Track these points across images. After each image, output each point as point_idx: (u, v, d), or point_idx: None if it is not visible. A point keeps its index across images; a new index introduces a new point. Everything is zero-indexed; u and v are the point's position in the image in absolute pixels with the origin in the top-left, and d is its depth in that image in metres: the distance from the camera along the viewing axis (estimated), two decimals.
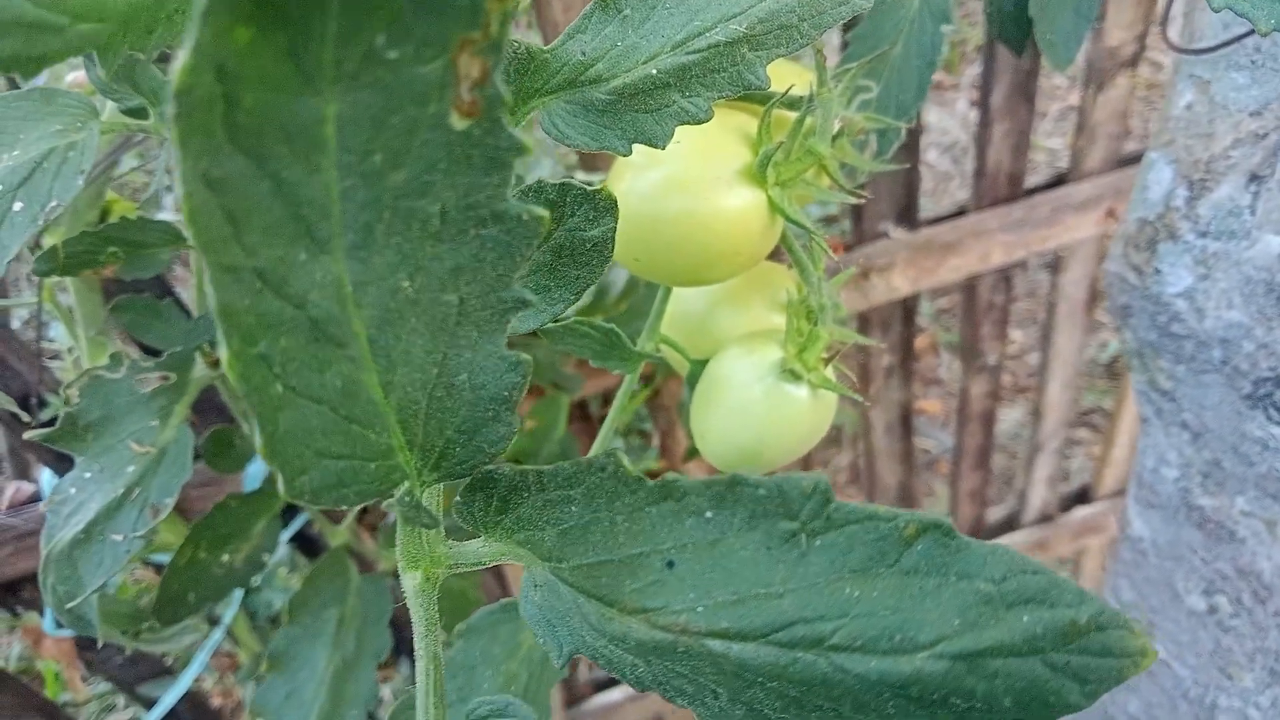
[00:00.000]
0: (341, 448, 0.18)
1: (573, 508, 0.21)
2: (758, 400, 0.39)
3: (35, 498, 1.05)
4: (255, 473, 1.03)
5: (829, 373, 0.41)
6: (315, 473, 0.18)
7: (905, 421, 1.36)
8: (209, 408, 0.95)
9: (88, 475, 0.50)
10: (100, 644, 1.17)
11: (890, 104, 0.48)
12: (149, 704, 1.12)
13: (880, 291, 1.13)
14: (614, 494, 0.20)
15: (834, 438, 2.21)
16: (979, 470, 1.47)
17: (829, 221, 2.29)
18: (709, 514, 0.18)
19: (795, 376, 0.39)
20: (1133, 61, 1.01)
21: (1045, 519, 1.58)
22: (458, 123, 0.15)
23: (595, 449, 0.44)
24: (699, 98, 0.29)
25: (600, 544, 0.20)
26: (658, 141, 0.29)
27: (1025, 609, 0.16)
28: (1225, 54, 0.54)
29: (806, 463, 1.36)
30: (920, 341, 2.25)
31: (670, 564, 0.18)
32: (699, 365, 0.42)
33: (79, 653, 1.16)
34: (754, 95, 0.38)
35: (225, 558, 0.61)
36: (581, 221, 0.27)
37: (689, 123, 0.29)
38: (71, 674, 1.23)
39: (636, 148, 0.36)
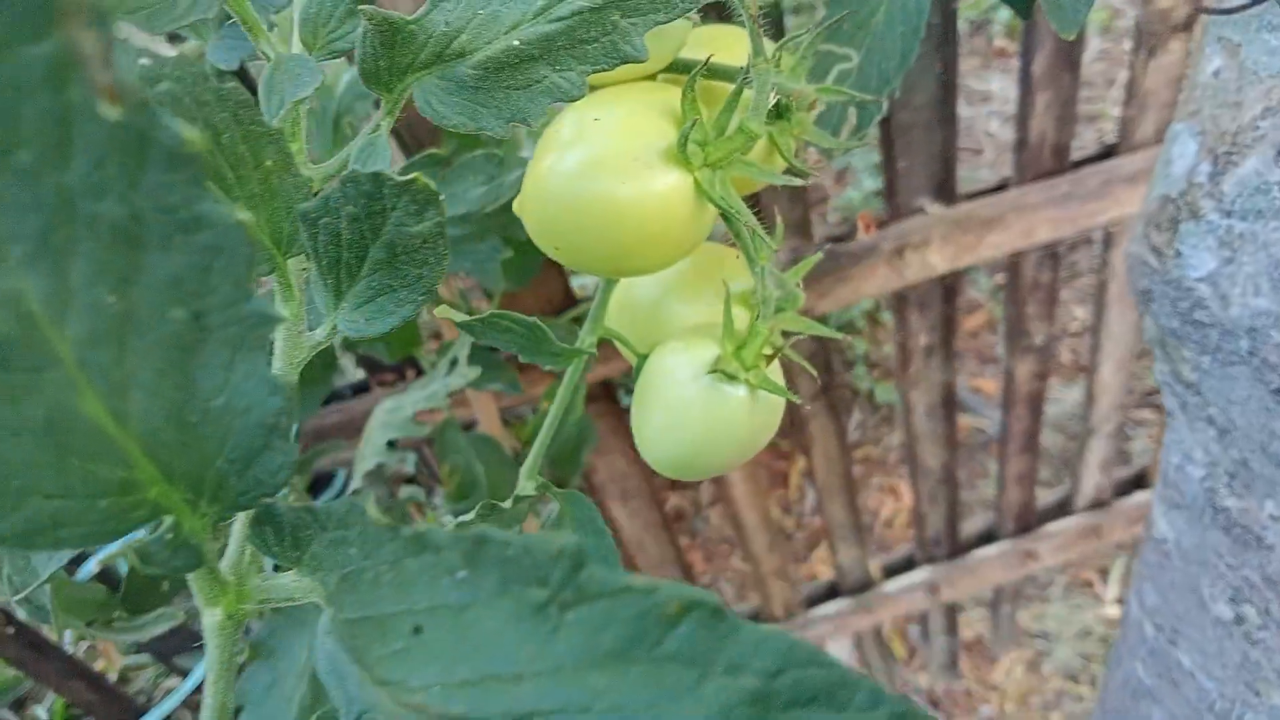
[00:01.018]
0: (54, 485, 0.16)
1: (351, 550, 0.18)
2: (691, 401, 0.36)
3: None
4: None
5: (773, 368, 0.37)
6: (19, 515, 0.16)
7: (948, 404, 1.31)
8: None
9: None
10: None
11: (872, 74, 0.44)
12: (185, 674, 1.14)
13: (916, 269, 1.09)
14: (379, 540, 0.17)
15: (886, 416, 2.16)
16: (1027, 454, 1.41)
17: (814, 195, 2.22)
18: (461, 574, 0.15)
19: (729, 376, 0.36)
20: (1186, 25, 0.94)
21: (1099, 504, 1.52)
22: (109, 112, 0.13)
23: (532, 456, 0.42)
24: (570, 71, 0.26)
25: (366, 596, 0.17)
26: (531, 120, 0.26)
27: (804, 711, 0.13)
28: (1258, 13, 0.49)
29: (845, 445, 1.32)
30: (975, 318, 2.18)
31: (418, 629, 0.15)
32: (645, 360, 0.39)
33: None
34: (693, 68, 0.34)
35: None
36: (404, 216, 0.25)
37: (563, 99, 0.26)
38: (106, 645, 1.25)
39: (564, 126, 0.33)
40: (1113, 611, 1.88)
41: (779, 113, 0.37)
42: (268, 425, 0.18)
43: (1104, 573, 1.92)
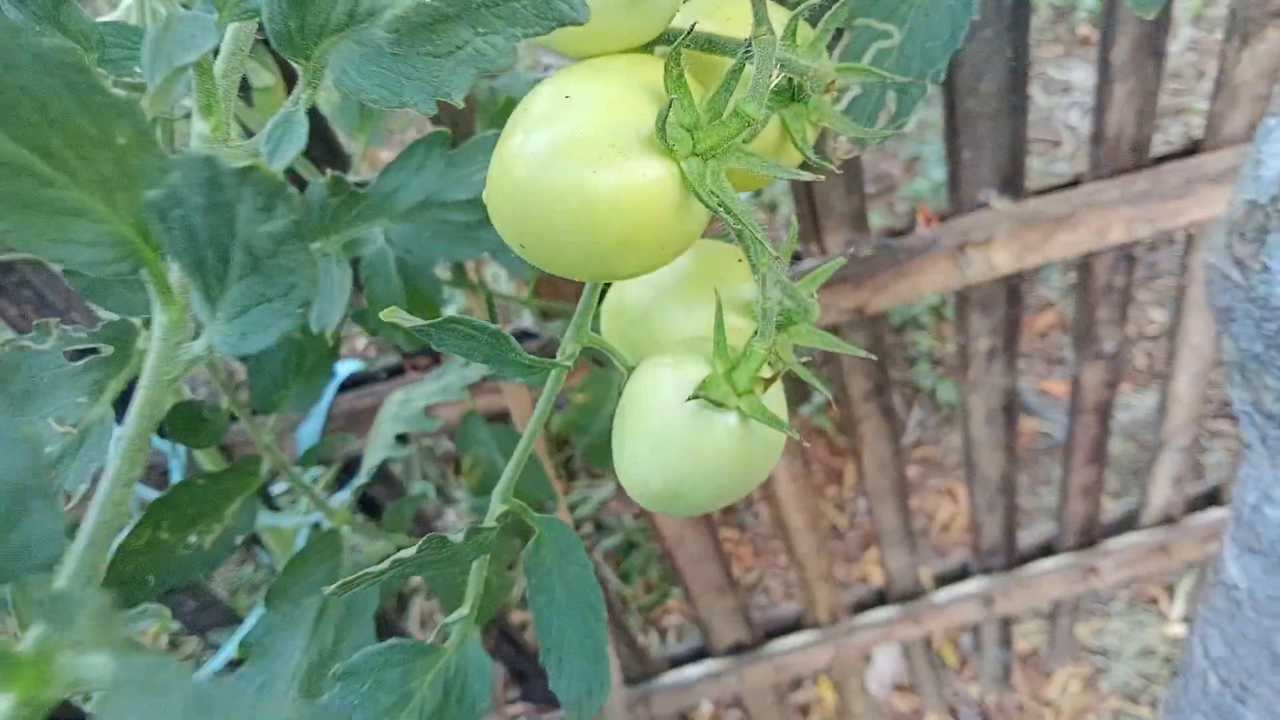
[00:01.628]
0: None
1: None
2: (673, 429, 0.31)
3: None
4: None
5: (774, 393, 0.32)
6: None
7: (1009, 410, 1.24)
8: None
9: None
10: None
11: (915, 55, 0.39)
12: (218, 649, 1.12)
13: (978, 268, 1.02)
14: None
15: (948, 416, 2.09)
16: (1092, 465, 1.34)
17: (881, 184, 2.14)
18: None
19: (716, 403, 0.31)
20: None
21: (1168, 520, 1.43)
22: None
23: (506, 476, 0.37)
24: (496, 35, 0.22)
25: None
26: (454, 95, 0.22)
27: None
28: None
29: (898, 449, 1.26)
30: (1046, 318, 2.09)
31: None
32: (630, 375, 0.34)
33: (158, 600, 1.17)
34: (696, 41, 0.29)
35: (193, 539, 0.56)
36: (251, 212, 0.21)
37: (489, 69, 0.22)
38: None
39: (535, 101, 0.29)
40: (1178, 630, 1.79)
41: (794, 95, 0.32)
42: (21, 488, 0.14)
43: (1170, 589, 1.83)
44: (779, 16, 0.33)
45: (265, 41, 0.82)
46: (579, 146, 0.27)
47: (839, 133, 0.33)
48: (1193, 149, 1.00)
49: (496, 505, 0.36)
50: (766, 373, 0.32)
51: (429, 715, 0.34)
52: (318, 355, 0.58)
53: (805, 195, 0.97)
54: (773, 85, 0.29)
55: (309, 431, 0.98)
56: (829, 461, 2.10)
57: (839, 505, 2.07)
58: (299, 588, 0.61)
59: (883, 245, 0.99)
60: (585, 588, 0.36)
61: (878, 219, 2.11)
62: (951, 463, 2.04)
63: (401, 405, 0.68)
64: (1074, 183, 1.01)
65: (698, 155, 0.28)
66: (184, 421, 0.55)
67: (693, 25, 0.28)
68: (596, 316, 0.38)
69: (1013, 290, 1.09)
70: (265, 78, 0.80)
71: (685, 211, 0.29)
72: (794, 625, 1.50)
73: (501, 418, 1.02)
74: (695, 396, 0.31)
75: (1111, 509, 1.52)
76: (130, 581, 0.53)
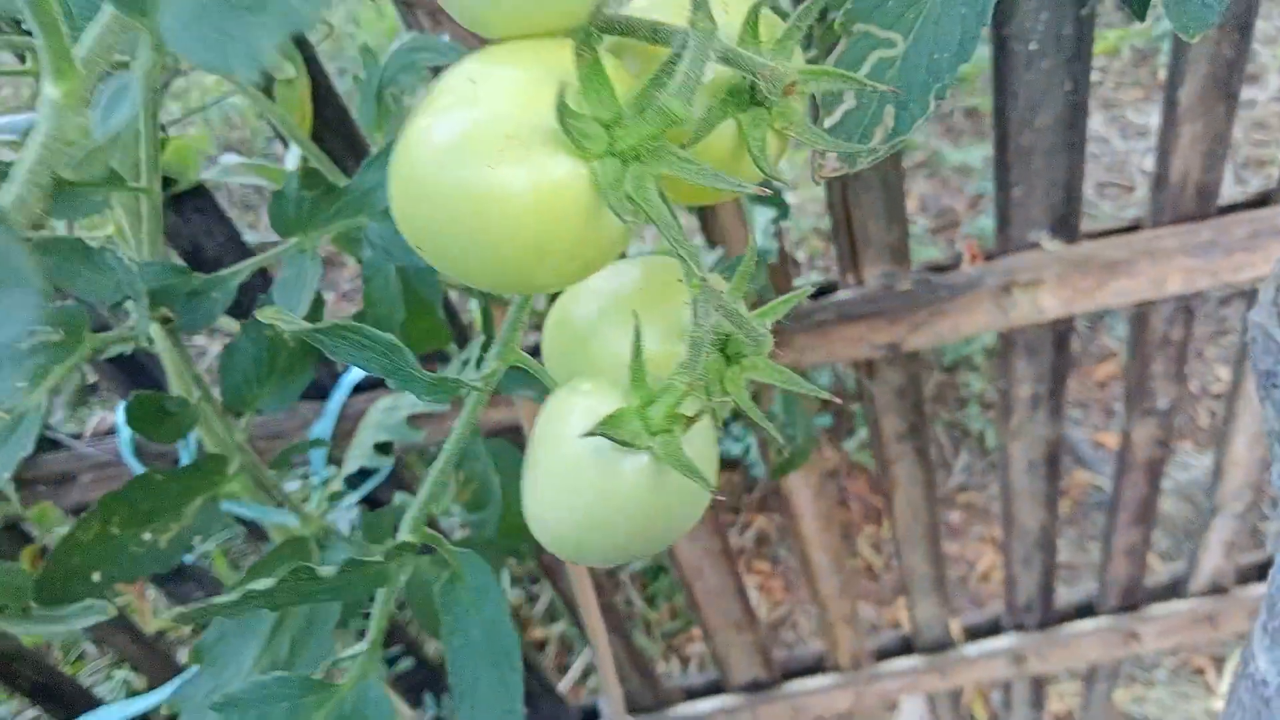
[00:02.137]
0: None
1: None
2: (576, 467, 0.28)
3: (114, 429, 1.04)
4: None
5: (700, 434, 0.28)
6: None
7: (1052, 461, 1.18)
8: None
9: None
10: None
11: (919, 65, 0.35)
12: None
13: (1024, 311, 0.97)
14: None
15: (995, 462, 2.01)
16: (1139, 525, 1.27)
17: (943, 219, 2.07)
18: None
19: (628, 443, 0.27)
20: None
21: (1217, 590, 1.36)
22: None
23: (418, 503, 0.34)
24: None
25: None
26: (263, 56, 0.19)
27: None
28: None
29: (932, 493, 1.20)
30: (1107, 367, 2.01)
31: None
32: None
33: (164, 587, 1.16)
34: (622, 26, 0.26)
35: (147, 536, 0.54)
36: None
37: (296, 29, 0.19)
38: (141, 604, 1.24)
39: (440, 85, 0.25)
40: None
41: (754, 98, 0.28)
42: None
43: (1219, 661, 1.73)
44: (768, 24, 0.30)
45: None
46: (475, 138, 0.24)
47: (809, 145, 0.29)
48: (1263, 200, 0.94)
49: (403, 533, 0.33)
50: (687, 411, 0.28)
51: None
52: (291, 354, 0.55)
53: (844, 224, 0.93)
54: (711, 80, 0.25)
55: (319, 433, 0.96)
56: (869, 499, 2.04)
57: (875, 545, 2.01)
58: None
59: (922, 280, 0.95)
60: (501, 633, 0.33)
61: (937, 255, 2.05)
62: (997, 510, 1.97)
63: (386, 413, 0.65)
64: (1133, 227, 0.95)
65: (616, 156, 0.25)
66: (145, 412, 0.53)
67: None
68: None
69: (1061, 336, 1.03)
70: (288, 69, 0.78)
71: (599, 219, 0.25)
72: (815, 667, 1.44)
73: (514, 431, 0.99)
74: (595, 433, 0.27)
75: (1159, 572, 1.44)
76: (74, 575, 0.51)
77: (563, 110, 0.23)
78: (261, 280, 0.72)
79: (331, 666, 0.32)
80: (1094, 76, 2.28)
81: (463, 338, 0.87)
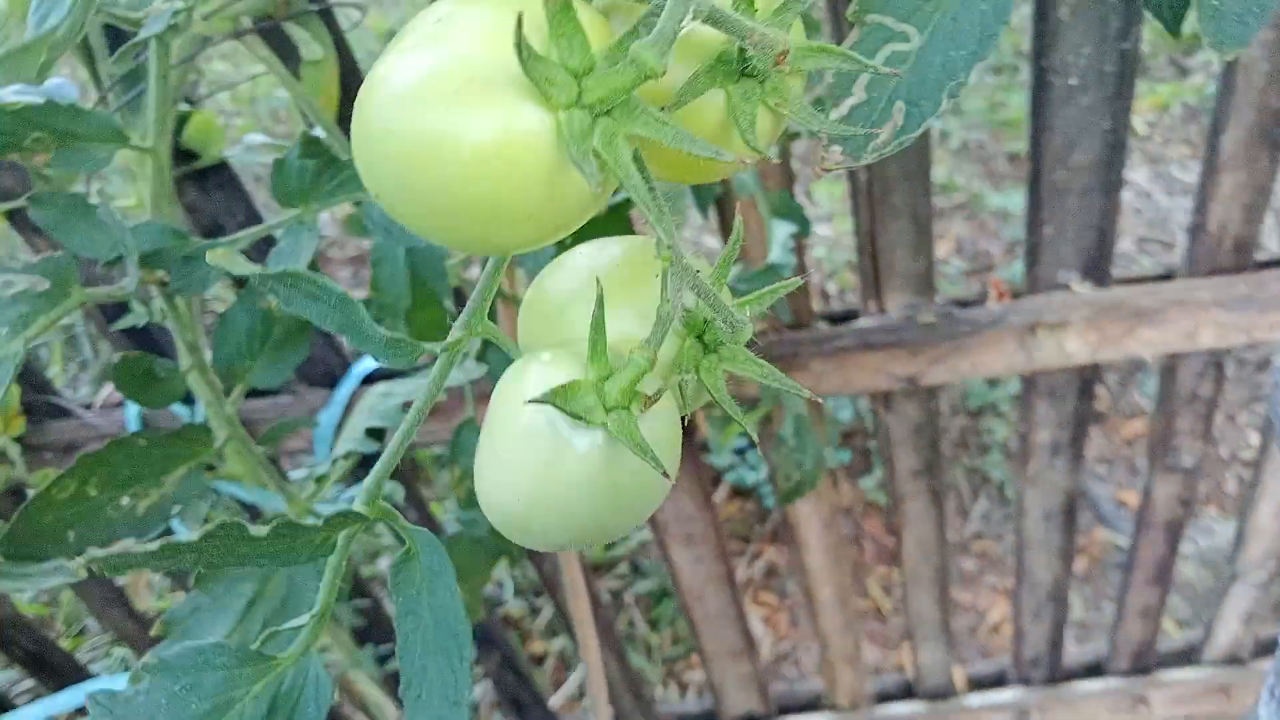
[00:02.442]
0: None
1: None
2: (524, 439, 0.26)
3: (123, 402, 1.04)
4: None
5: (661, 415, 0.27)
6: None
7: (1068, 511, 1.15)
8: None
9: None
10: None
11: (934, 62, 0.34)
12: None
13: (1049, 353, 0.95)
14: None
15: (1014, 513, 1.97)
16: (1155, 586, 1.23)
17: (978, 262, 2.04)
18: None
19: (574, 415, 0.26)
20: None
21: (1234, 661, 1.31)
22: None
23: (376, 471, 0.32)
24: None
25: None
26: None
27: None
28: None
29: (943, 534, 1.17)
30: (1135, 425, 1.97)
31: None
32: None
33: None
34: None
35: (125, 501, 0.53)
36: None
37: None
38: (136, 577, 1.23)
39: (410, 25, 0.24)
40: None
41: (745, 69, 0.27)
42: None
43: None
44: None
45: (321, 11, 0.79)
46: (435, 79, 0.23)
47: (803, 126, 0.28)
48: None
49: (357, 504, 0.32)
50: (646, 390, 0.26)
51: None
52: (286, 327, 0.54)
53: (869, 250, 0.91)
54: (699, 44, 0.24)
55: (328, 420, 0.95)
56: (882, 540, 2.01)
57: (885, 587, 1.97)
58: (236, 571, 0.57)
59: (945, 313, 0.93)
60: (453, 619, 0.31)
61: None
62: (1012, 563, 1.93)
63: (380, 398, 0.64)
64: (1166, 276, 0.93)
65: (585, 109, 0.24)
66: (132, 375, 0.52)
67: None
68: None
69: (1086, 383, 1.01)
70: (315, 50, 0.78)
71: (563, 175, 0.24)
72: (812, 704, 1.41)
73: None
74: (544, 400, 0.25)
75: (1174, 638, 1.40)
76: (46, 533, 0.50)
77: (523, 50, 0.22)
78: (264, 249, 0.72)
79: (275, 640, 0.31)
80: (1142, 130, 2.26)
81: None
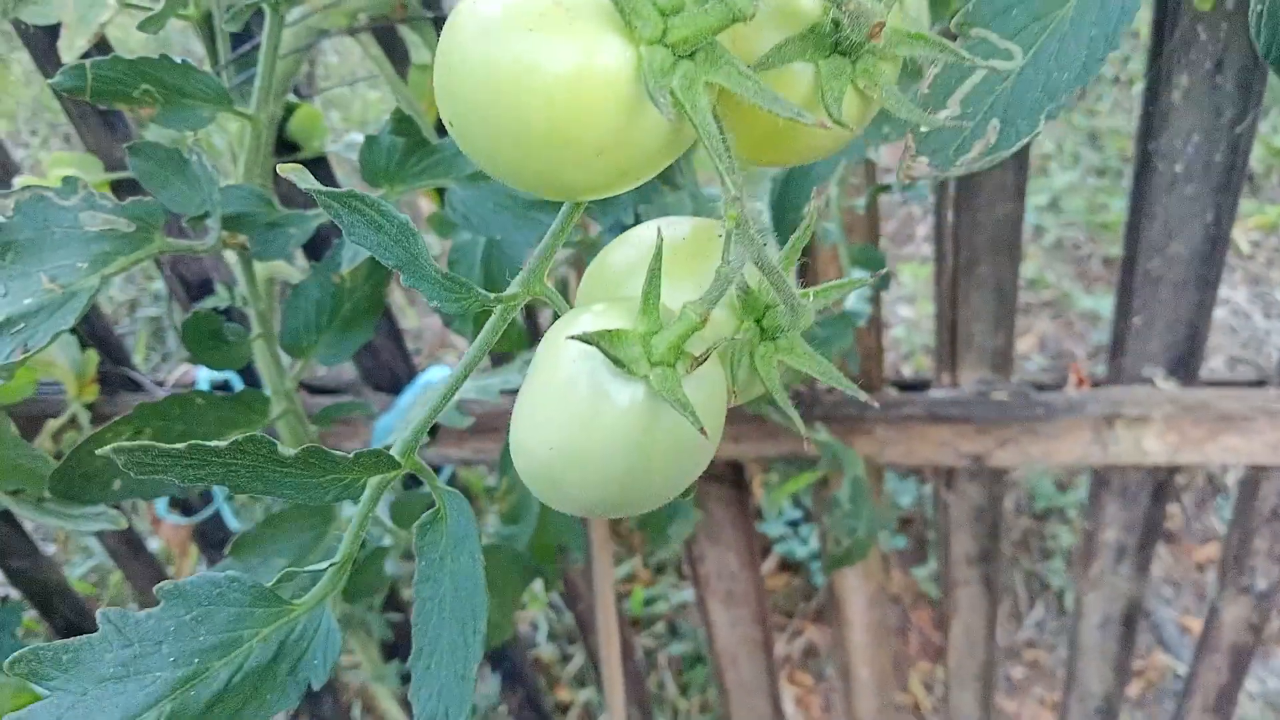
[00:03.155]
0: None
1: None
2: (567, 388, 0.25)
3: (194, 383, 1.06)
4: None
5: (706, 379, 0.26)
6: None
7: (1128, 622, 1.10)
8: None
9: None
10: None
11: (1036, 83, 0.33)
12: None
13: (1126, 449, 0.91)
14: None
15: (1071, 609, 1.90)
16: (1214, 715, 1.17)
17: (1060, 361, 1.99)
18: None
19: (621, 364, 0.25)
20: None
21: None
22: None
23: (431, 403, 0.32)
24: None
25: None
26: None
27: None
28: None
29: (992, 629, 1.13)
30: (1209, 549, 1.89)
31: None
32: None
33: (205, 552, 1.17)
34: None
35: None
36: None
37: None
38: (181, 560, 1.25)
39: None
40: None
41: (838, 46, 0.26)
42: None
43: None
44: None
45: (434, 20, 0.81)
46: (523, 3, 0.22)
47: (894, 111, 0.27)
48: None
49: (394, 451, 0.31)
50: (695, 350, 0.26)
51: (248, 672, 0.29)
52: (355, 306, 0.54)
53: (948, 319, 0.90)
54: (794, 12, 0.23)
55: (384, 425, 0.95)
56: (930, 634, 1.94)
57: (928, 684, 1.91)
58: (271, 545, 0.57)
59: (1020, 393, 0.90)
60: (473, 588, 0.30)
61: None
62: (1063, 675, 1.85)
63: (434, 390, 0.64)
64: (1258, 383, 0.89)
65: (667, 45, 0.23)
66: (200, 334, 0.52)
67: None
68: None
69: (1160, 486, 0.97)
70: (424, 54, 0.79)
71: (636, 111, 0.23)
72: None
73: None
74: (588, 340, 0.25)
75: None
76: (94, 476, 0.51)
77: None
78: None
79: (291, 583, 0.30)
80: (1245, 248, 2.20)
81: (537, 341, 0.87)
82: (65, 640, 0.28)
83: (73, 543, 1.93)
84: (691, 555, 1.09)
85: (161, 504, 1.07)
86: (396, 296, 1.58)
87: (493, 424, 0.92)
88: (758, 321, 0.29)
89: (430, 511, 0.32)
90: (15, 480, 0.49)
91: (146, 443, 0.24)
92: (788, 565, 1.99)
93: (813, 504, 1.08)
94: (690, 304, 0.26)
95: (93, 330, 0.95)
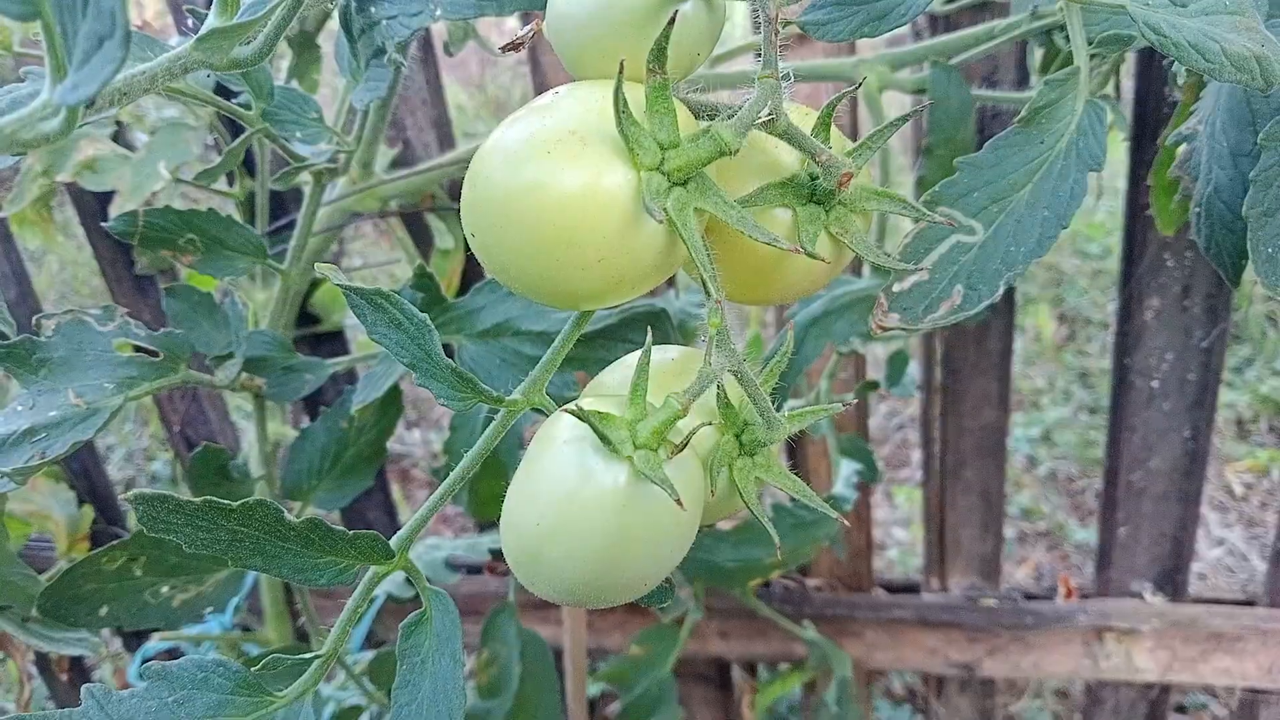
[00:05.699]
0: None
1: None
2: (554, 467, 0.27)
3: None
4: None
5: (683, 465, 0.28)
6: None
7: None
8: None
9: (18, 409, 0.47)
10: None
11: (995, 255, 0.36)
12: None
13: (1117, 664, 0.90)
14: None
15: None
16: None
17: (1061, 557, 1.95)
18: None
19: (608, 445, 0.27)
20: None
21: None
22: None
23: (431, 499, 0.34)
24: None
25: None
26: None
27: None
28: None
29: None
30: None
31: None
32: None
33: None
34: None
35: (165, 589, 0.54)
36: None
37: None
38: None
39: (537, 99, 0.28)
40: None
41: (814, 195, 0.30)
42: None
43: None
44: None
45: (458, 211, 0.87)
46: (541, 132, 0.26)
47: (865, 259, 0.31)
48: None
49: (394, 545, 0.32)
50: (675, 438, 0.28)
51: None
52: (359, 452, 0.57)
53: (937, 523, 0.91)
54: (773, 166, 0.27)
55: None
56: None
57: None
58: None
59: (1010, 600, 0.90)
60: (451, 690, 0.31)
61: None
62: None
63: (427, 549, 0.65)
64: (1247, 602, 0.90)
65: (664, 173, 0.27)
66: (207, 468, 0.54)
67: (674, 14, 0.27)
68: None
69: (1154, 707, 0.95)
70: (448, 241, 0.85)
71: (634, 225, 0.26)
72: None
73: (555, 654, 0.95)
74: (580, 416, 0.27)
75: None
76: (83, 600, 0.51)
77: (619, 104, 0.26)
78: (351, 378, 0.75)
79: (280, 672, 0.31)
80: (1239, 491, 2.22)
81: None
82: (49, 712, 0.29)
83: None
84: None
85: (134, 668, 1.04)
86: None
87: (475, 606, 0.91)
88: (737, 436, 0.31)
89: (417, 614, 0.33)
90: (5, 596, 0.50)
91: (164, 493, 0.26)
92: None
93: (800, 710, 1.06)
94: (674, 394, 0.28)
95: (92, 487, 0.96)
